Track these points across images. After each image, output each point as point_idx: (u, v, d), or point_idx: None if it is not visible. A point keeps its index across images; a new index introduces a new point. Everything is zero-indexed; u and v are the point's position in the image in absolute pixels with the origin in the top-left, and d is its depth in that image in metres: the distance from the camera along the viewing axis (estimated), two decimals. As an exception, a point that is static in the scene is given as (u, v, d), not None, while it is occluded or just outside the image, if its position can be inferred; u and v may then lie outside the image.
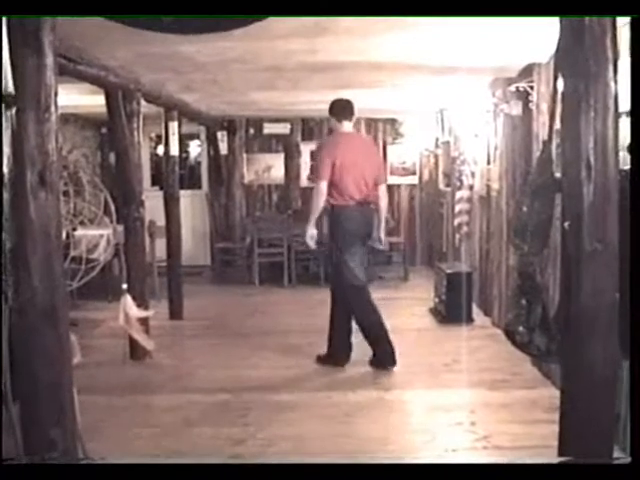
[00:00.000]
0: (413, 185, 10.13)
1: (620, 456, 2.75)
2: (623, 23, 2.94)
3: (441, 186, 9.18)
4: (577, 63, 2.55)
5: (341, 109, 5.31)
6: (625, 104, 2.56)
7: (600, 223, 2.57)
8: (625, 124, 2.63)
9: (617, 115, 2.56)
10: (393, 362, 5.14)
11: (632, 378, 2.49)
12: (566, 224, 2.65)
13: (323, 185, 5.10)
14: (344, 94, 5.49)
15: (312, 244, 5.30)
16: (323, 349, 5.28)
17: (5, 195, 2.61)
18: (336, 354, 5.26)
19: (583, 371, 2.65)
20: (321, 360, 5.26)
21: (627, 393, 2.69)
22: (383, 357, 5.16)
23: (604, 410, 2.68)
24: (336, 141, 5.31)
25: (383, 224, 5.43)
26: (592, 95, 2.52)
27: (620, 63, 2.58)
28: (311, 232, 5.25)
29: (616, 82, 2.54)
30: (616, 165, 2.58)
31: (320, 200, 5.13)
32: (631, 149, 2.53)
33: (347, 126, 5.32)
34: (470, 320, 6.50)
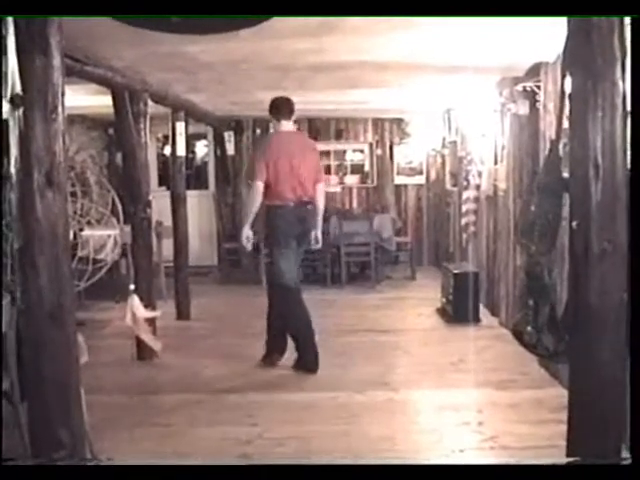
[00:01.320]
0: (420, 185, 10.12)
1: (628, 456, 2.74)
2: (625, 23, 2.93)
3: (448, 186, 9.16)
4: (585, 62, 2.53)
5: (279, 108, 5.23)
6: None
7: (608, 223, 2.55)
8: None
9: (625, 114, 2.54)
10: (316, 366, 5.08)
11: (632, 378, 2.48)
12: (574, 224, 2.64)
13: (259, 185, 5.02)
14: (351, 94, 5.47)
15: (248, 246, 5.22)
16: (327, 348, 5.27)
17: (12, 195, 2.61)
18: (269, 353, 5.26)
19: (591, 371, 2.64)
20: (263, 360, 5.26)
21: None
22: (307, 361, 5.11)
23: (612, 410, 2.67)
24: (272, 141, 5.26)
25: (320, 223, 5.34)
26: (600, 94, 2.51)
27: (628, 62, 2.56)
28: (247, 233, 5.15)
29: (624, 81, 2.52)
30: (624, 164, 2.56)
31: (256, 201, 5.04)
32: (632, 149, 2.51)
33: (285, 125, 5.23)
34: (477, 320, 6.49)
